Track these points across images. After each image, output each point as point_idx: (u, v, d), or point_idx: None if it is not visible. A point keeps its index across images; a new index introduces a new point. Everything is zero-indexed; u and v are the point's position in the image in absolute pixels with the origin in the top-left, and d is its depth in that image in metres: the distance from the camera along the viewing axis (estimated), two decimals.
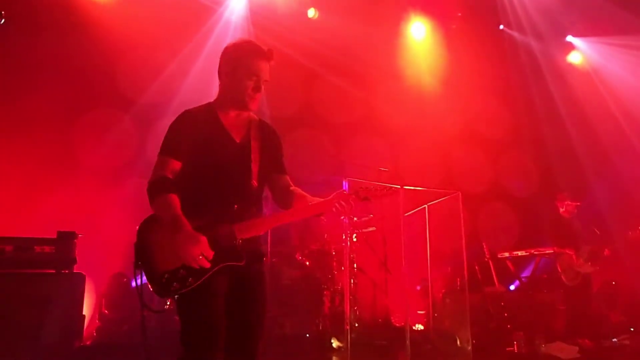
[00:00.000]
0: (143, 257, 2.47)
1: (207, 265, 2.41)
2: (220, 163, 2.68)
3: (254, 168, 2.73)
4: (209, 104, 2.83)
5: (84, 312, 4.99)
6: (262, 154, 2.78)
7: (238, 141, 2.75)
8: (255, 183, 2.72)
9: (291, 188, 2.88)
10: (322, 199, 2.70)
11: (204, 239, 2.42)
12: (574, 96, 8.91)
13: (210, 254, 2.42)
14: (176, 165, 2.63)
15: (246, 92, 2.73)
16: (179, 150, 2.64)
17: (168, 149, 2.66)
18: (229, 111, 2.78)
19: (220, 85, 2.82)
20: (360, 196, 2.70)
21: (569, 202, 6.88)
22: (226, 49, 2.82)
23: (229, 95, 2.77)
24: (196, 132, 2.67)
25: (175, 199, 2.51)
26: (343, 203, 2.65)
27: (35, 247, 4.69)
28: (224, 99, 2.80)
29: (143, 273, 2.46)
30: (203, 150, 2.65)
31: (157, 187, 2.55)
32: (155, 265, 2.45)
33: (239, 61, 2.74)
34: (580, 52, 9.17)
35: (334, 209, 2.65)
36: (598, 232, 6.86)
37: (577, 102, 8.85)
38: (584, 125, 8.74)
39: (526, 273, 7.44)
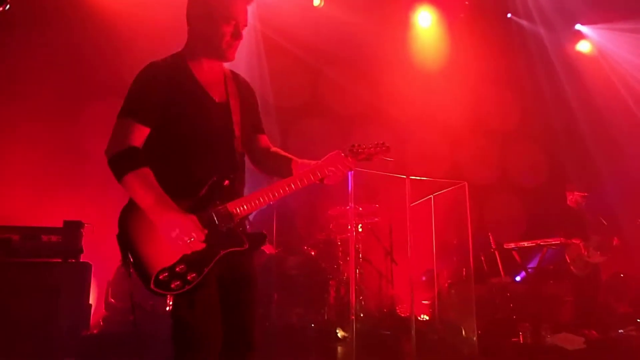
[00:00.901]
0: (133, 253, 2.08)
1: (201, 246, 2.08)
2: (201, 129, 2.26)
3: (237, 132, 2.35)
4: (177, 54, 2.38)
5: (90, 301, 5.02)
6: (242, 114, 2.40)
7: (217, 100, 2.34)
8: (240, 150, 2.37)
9: (272, 150, 2.56)
10: (314, 162, 2.41)
11: (194, 218, 2.09)
12: (584, 84, 8.83)
13: (202, 234, 2.09)
14: (144, 132, 2.19)
15: (224, 39, 2.30)
16: (149, 113, 2.19)
17: (134, 110, 2.19)
18: (202, 63, 2.36)
19: (190, 32, 2.38)
20: (360, 157, 2.49)
21: (577, 193, 6.84)
22: None
23: (201, 44, 2.35)
24: (169, 91, 2.22)
25: (151, 174, 2.12)
26: (340, 166, 2.38)
27: (42, 236, 4.70)
28: (195, 48, 2.37)
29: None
30: (179, 114, 2.23)
31: (127, 161, 2.12)
32: (149, 262, 2.07)
33: (214, 2, 2.29)
34: (590, 40, 9.05)
35: (330, 173, 2.37)
36: (605, 223, 6.81)
37: (587, 91, 8.77)
38: (594, 114, 8.66)
39: (532, 264, 7.42)
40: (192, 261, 2.09)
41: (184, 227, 2.05)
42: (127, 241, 2.10)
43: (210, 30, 2.31)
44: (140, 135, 2.17)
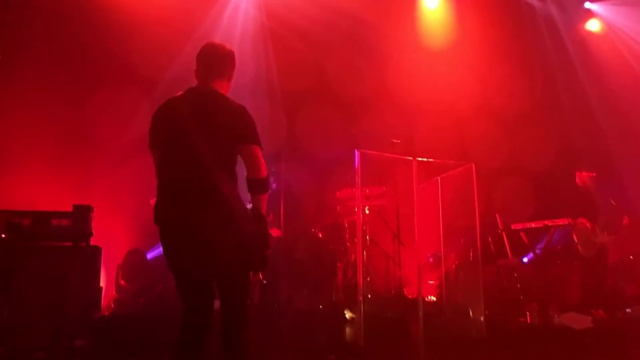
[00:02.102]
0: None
1: None
2: None
3: None
4: None
5: (100, 284, 5.09)
6: None
7: None
8: None
9: None
10: None
11: None
12: (596, 63, 8.69)
13: None
14: None
15: None
16: None
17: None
18: None
19: (228, 86, 3.11)
20: None
21: (585, 173, 6.79)
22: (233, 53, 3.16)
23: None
24: None
25: None
26: None
27: (52, 220, 4.75)
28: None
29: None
30: None
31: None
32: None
33: None
34: (600, 18, 8.89)
35: None
36: (614, 204, 6.77)
37: (599, 69, 8.63)
38: (607, 93, 8.53)
39: (540, 245, 7.40)
40: None
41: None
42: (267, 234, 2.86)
43: None
44: None
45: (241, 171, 2.93)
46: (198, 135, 2.72)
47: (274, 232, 6.04)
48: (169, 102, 2.93)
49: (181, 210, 2.74)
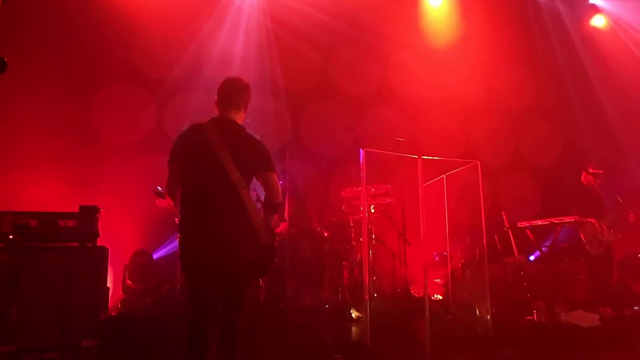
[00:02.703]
0: None
1: None
2: None
3: None
4: None
5: (107, 284, 5.10)
6: None
7: None
8: None
9: None
10: None
11: None
12: (602, 58, 8.65)
13: None
14: None
15: None
16: None
17: None
18: None
19: (244, 115, 3.45)
20: None
21: (591, 170, 6.76)
22: None
23: None
24: None
25: None
26: None
27: (59, 221, 4.77)
28: None
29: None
30: None
31: None
32: None
33: None
34: (606, 13, 8.84)
35: None
36: (621, 200, 6.74)
37: (606, 65, 8.58)
38: (614, 88, 8.48)
39: (546, 242, 7.37)
40: None
41: None
42: None
43: None
44: None
45: None
46: (229, 158, 3.14)
47: (281, 227, 6.04)
48: (199, 127, 3.27)
49: (213, 222, 3.09)
